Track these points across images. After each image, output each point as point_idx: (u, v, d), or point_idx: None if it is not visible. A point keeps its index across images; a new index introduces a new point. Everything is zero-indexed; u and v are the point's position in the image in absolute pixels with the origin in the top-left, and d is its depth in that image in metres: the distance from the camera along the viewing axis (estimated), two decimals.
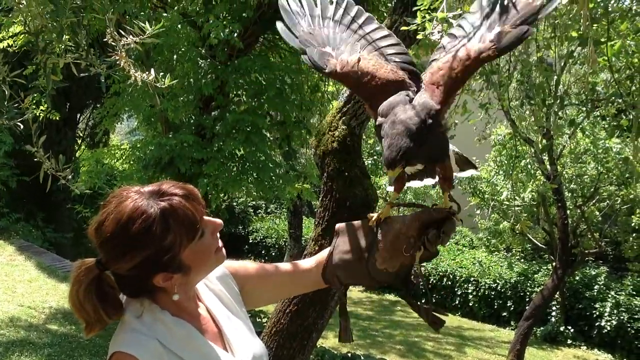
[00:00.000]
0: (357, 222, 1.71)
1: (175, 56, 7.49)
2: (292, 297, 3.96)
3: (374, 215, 1.69)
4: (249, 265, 1.75)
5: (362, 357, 7.60)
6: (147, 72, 2.67)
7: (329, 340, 10.54)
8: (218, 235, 1.51)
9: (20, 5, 2.51)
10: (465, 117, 3.48)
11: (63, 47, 2.71)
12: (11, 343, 7.14)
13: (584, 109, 6.04)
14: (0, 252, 12.18)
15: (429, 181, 1.76)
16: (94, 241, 1.43)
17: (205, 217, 1.46)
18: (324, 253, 1.74)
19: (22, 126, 2.54)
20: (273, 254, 18.57)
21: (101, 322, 1.44)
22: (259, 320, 9.12)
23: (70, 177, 2.69)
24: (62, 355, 6.96)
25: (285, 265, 1.81)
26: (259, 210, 21.07)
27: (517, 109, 4.40)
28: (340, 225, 1.72)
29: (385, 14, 6.87)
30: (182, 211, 1.39)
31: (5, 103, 2.53)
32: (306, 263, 1.77)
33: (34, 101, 3.66)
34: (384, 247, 1.63)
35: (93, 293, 1.41)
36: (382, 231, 1.64)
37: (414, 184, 1.78)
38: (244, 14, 7.27)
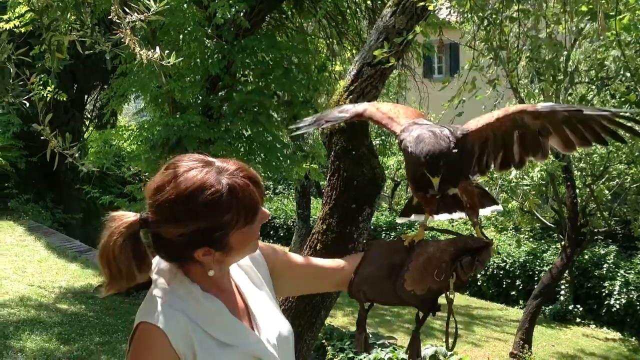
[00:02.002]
0: (390, 240, 1.78)
1: (181, 36, 7.44)
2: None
3: (408, 236, 1.73)
4: (280, 250, 1.76)
5: (370, 336, 7.62)
6: (152, 50, 2.66)
7: (337, 319, 10.59)
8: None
9: None
10: (473, 94, 3.45)
11: (68, 25, 2.69)
12: (22, 322, 7.21)
13: (594, 86, 5.98)
14: (10, 232, 12.27)
15: (457, 215, 1.82)
16: (149, 199, 1.42)
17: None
18: (350, 259, 1.77)
19: (27, 104, 2.53)
20: (281, 234, 18.61)
21: (129, 279, 1.42)
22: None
23: (77, 155, 2.68)
24: (72, 334, 7.02)
25: (312, 260, 1.82)
26: (267, 191, 21.09)
27: (526, 86, 4.35)
28: (372, 241, 1.75)
29: None
30: (248, 194, 1.40)
31: (11, 81, 2.52)
32: (333, 263, 1.79)
33: (41, 82, 3.65)
34: (415, 269, 1.67)
35: (130, 248, 1.41)
36: (415, 252, 1.68)
37: (443, 217, 1.84)
38: None
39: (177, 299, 1.43)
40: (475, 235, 1.72)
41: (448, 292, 1.68)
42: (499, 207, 1.92)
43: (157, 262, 1.50)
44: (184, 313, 1.40)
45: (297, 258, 1.79)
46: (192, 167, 1.40)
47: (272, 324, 1.55)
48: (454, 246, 1.66)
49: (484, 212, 1.85)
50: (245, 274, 1.61)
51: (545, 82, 3.30)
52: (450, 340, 1.73)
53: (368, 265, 1.71)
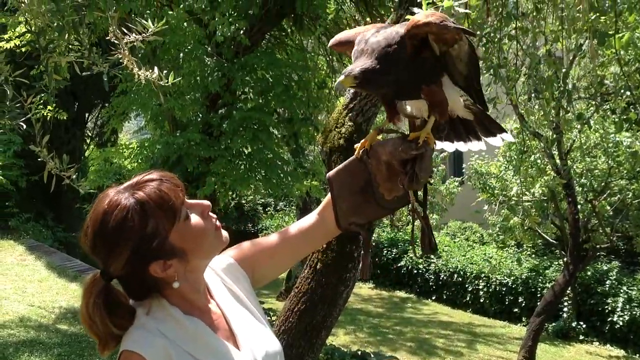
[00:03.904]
0: (346, 163, 1.68)
1: (181, 54, 7.47)
2: (300, 294, 3.94)
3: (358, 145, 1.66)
4: (252, 246, 1.73)
5: (372, 355, 7.56)
6: (150, 71, 2.65)
7: (339, 338, 10.53)
8: (213, 216, 1.50)
9: (22, 5, 2.50)
10: None
11: (65, 45, 2.69)
12: (21, 343, 7.16)
13: (593, 102, 5.98)
14: (11, 252, 12.24)
15: (461, 145, 1.72)
16: (86, 249, 1.45)
17: (189, 200, 1.47)
18: (324, 203, 1.72)
19: (24, 126, 2.53)
20: None
21: (112, 336, 1.42)
22: (268, 318, 9.10)
23: (74, 176, 2.67)
24: (72, 355, 6.97)
25: (290, 230, 1.77)
26: (268, 208, 21.09)
27: (526, 103, 4.35)
28: (331, 174, 1.68)
29: (392, 9, 6.83)
30: (157, 195, 1.39)
31: (8, 103, 2.52)
32: (309, 219, 1.75)
33: (42, 101, 3.66)
34: (383, 181, 1.62)
35: (101, 305, 1.40)
36: (373, 166, 1.62)
37: (447, 146, 1.72)
38: (249, 11, 7.25)
39: (155, 322, 1.42)
40: (423, 130, 1.58)
41: (410, 203, 1.63)
42: (509, 136, 1.76)
43: None
44: (164, 336, 1.39)
45: (273, 240, 1.75)
46: (99, 201, 1.43)
47: (258, 342, 1.53)
48: (395, 160, 1.57)
49: (495, 141, 1.73)
50: (228, 293, 1.59)
51: (544, 99, 3.29)
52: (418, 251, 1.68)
53: (341, 201, 1.65)
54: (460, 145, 1.72)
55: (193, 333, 1.43)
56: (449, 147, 1.72)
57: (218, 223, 1.51)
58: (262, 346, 1.53)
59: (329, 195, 1.70)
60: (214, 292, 1.57)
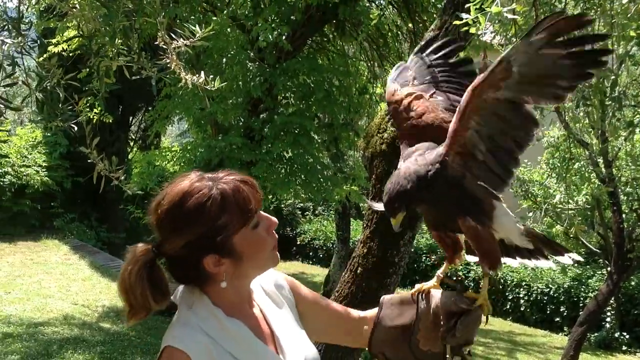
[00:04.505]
0: (402, 296, 1.68)
1: (224, 59, 7.56)
2: (341, 297, 3.94)
3: (418, 288, 1.65)
4: (306, 288, 1.76)
5: None
6: (197, 75, 2.70)
7: None
8: (275, 235, 1.53)
9: (74, 10, 2.56)
10: None
11: (115, 50, 2.76)
12: (65, 340, 7.31)
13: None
14: (56, 251, 12.52)
15: (526, 262, 1.67)
16: (152, 220, 1.47)
17: (262, 212, 1.50)
18: (372, 312, 1.72)
19: (76, 128, 2.60)
20: (321, 255, 18.58)
21: (145, 308, 1.44)
22: None
23: (122, 178, 2.74)
24: (114, 353, 7.09)
25: (338, 306, 1.81)
26: (307, 212, 21.09)
27: (571, 110, 4.28)
28: (385, 298, 1.69)
29: (435, 15, 6.80)
30: (239, 194, 1.43)
31: (60, 105, 2.59)
32: (359, 314, 1.77)
33: (88, 104, 3.75)
34: (425, 328, 1.59)
35: (144, 276, 1.43)
36: (422, 310, 1.61)
37: (526, 262, 1.67)
38: (292, 17, 7.30)
39: (198, 319, 1.44)
40: (480, 294, 1.57)
41: (447, 356, 1.57)
42: (576, 255, 1.70)
43: (181, 288, 1.52)
44: (206, 334, 1.42)
45: (322, 299, 1.79)
46: (182, 180, 1.46)
47: (298, 348, 1.54)
48: (443, 309, 1.55)
49: (563, 259, 1.67)
50: (270, 300, 1.61)
51: (591, 107, 3.24)
52: None
53: (383, 327, 1.65)
54: (526, 262, 1.68)
55: (235, 334, 1.45)
56: (511, 262, 1.69)
57: (276, 243, 1.53)
58: (301, 351, 1.55)
59: (373, 312, 1.70)
60: (258, 298, 1.59)
